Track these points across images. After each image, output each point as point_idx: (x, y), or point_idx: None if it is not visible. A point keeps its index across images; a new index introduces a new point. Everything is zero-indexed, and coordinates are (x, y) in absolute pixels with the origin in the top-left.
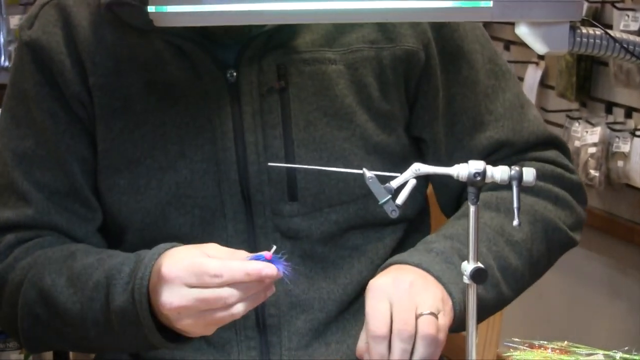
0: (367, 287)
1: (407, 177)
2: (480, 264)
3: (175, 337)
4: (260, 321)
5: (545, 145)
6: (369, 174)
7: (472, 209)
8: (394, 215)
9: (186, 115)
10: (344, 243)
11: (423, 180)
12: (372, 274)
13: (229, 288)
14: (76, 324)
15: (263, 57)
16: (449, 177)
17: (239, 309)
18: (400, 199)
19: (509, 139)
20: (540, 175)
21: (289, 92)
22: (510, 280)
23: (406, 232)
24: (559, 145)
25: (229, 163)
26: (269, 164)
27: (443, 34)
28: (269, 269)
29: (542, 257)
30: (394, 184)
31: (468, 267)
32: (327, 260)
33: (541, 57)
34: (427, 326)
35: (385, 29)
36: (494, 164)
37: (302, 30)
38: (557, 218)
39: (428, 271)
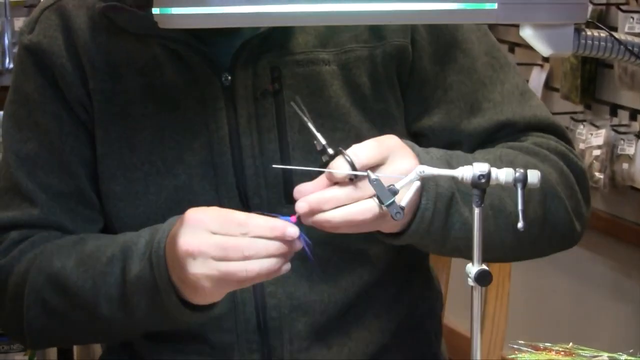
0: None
1: (412, 179)
2: (485, 266)
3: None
4: (262, 324)
5: (547, 132)
6: (373, 175)
7: (476, 211)
8: (399, 217)
9: (183, 120)
10: (345, 246)
11: None
12: (374, 278)
13: (250, 239)
14: (87, 304)
15: (257, 59)
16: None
17: (254, 266)
18: (405, 200)
19: (510, 120)
20: (545, 146)
21: (283, 94)
22: (501, 221)
23: None
24: (563, 136)
25: (225, 167)
26: (273, 165)
27: (435, 25)
28: (293, 229)
29: (536, 221)
30: (398, 185)
31: (472, 269)
32: (328, 263)
33: (546, 59)
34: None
35: (375, 27)
36: (495, 143)
37: (296, 31)
38: (561, 190)
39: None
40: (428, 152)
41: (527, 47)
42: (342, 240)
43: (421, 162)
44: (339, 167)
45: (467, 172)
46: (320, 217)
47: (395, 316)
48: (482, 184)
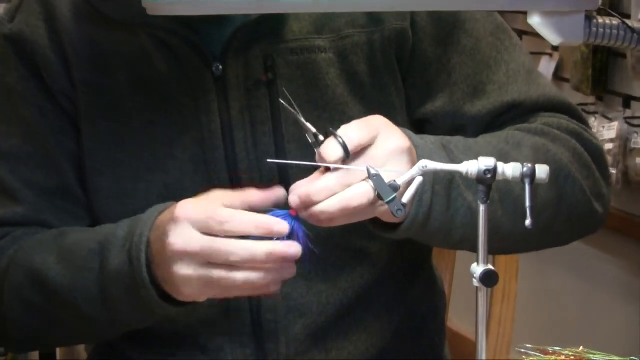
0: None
1: (414, 174)
2: (490, 266)
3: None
4: (257, 327)
5: (559, 112)
6: (373, 170)
7: (481, 207)
8: (400, 214)
9: (174, 114)
10: (345, 244)
11: None
12: (375, 277)
13: (236, 245)
14: (68, 301)
15: (249, 48)
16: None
17: (239, 276)
18: (407, 197)
19: (516, 100)
20: (556, 126)
21: (277, 84)
22: (508, 205)
23: None
24: (576, 115)
25: (218, 162)
26: (268, 160)
27: None
28: (281, 225)
29: (549, 204)
30: (400, 181)
31: (478, 269)
32: (327, 262)
33: (555, 49)
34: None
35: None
36: (501, 127)
37: (290, 18)
38: (575, 170)
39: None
40: (422, 138)
41: (536, 35)
42: (341, 238)
43: (417, 153)
44: (331, 149)
45: (472, 166)
46: (315, 209)
47: (396, 317)
48: (487, 179)
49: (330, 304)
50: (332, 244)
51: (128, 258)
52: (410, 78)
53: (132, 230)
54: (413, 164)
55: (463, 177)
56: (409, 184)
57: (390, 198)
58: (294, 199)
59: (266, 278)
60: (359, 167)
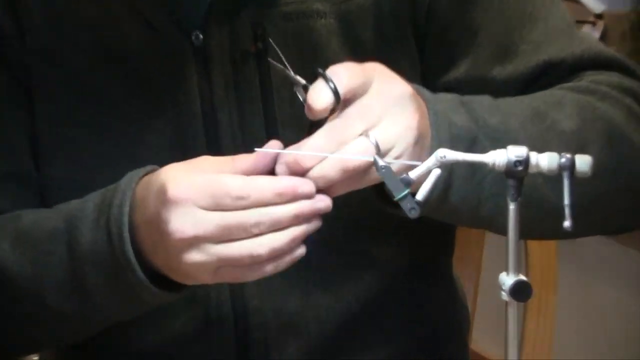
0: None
1: (430, 166)
2: (522, 277)
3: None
4: (242, 347)
5: (607, 69)
6: (381, 162)
7: (511, 206)
8: (414, 214)
9: (146, 91)
10: (349, 248)
11: None
12: (383, 288)
13: (259, 214)
14: (30, 294)
15: (235, 13)
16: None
17: (259, 249)
18: (422, 193)
19: (553, 58)
20: (605, 83)
21: (269, 56)
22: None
23: (428, 234)
24: (630, 72)
25: (198, 149)
26: (256, 149)
27: None
28: (307, 186)
29: (604, 170)
30: (414, 174)
31: (507, 279)
32: (328, 270)
33: (599, 17)
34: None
35: None
36: (542, 89)
37: None
38: (632, 131)
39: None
40: (437, 97)
41: (576, 1)
42: (344, 240)
43: (429, 107)
44: (319, 92)
45: (500, 156)
46: (311, 174)
47: (409, 336)
48: (518, 171)
49: (331, 320)
50: (332, 247)
51: (106, 234)
52: (429, 44)
53: (106, 201)
54: (420, 114)
55: (488, 137)
56: (424, 176)
57: (402, 195)
58: (281, 168)
59: (295, 240)
60: (365, 157)
